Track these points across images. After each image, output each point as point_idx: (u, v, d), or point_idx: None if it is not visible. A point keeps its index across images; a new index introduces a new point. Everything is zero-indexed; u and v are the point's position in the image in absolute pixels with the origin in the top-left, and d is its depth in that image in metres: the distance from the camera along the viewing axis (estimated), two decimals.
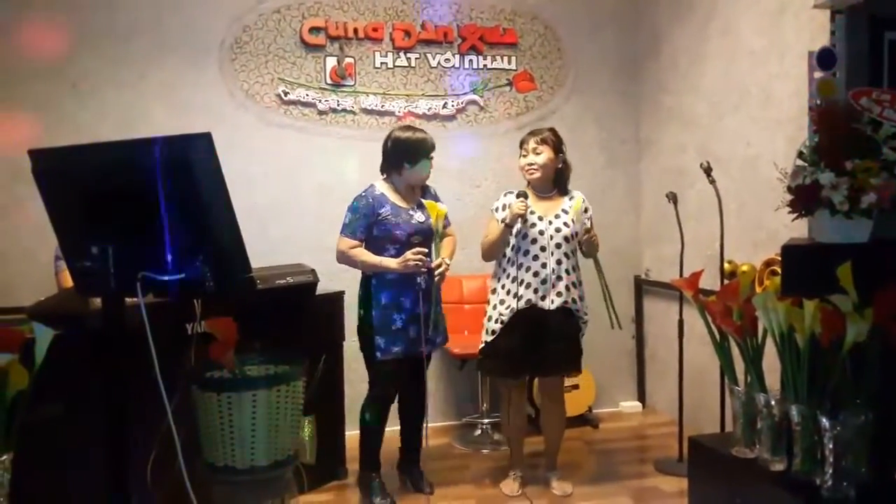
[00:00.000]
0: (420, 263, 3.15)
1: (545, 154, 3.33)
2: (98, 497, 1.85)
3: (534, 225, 3.30)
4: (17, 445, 1.81)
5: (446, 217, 3.34)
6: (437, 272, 3.23)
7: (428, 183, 3.42)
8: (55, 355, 1.87)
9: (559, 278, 3.28)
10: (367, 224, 3.23)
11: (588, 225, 3.38)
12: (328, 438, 3.53)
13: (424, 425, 3.42)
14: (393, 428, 3.51)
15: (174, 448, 1.78)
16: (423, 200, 3.32)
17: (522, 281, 3.28)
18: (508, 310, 3.30)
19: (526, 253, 3.29)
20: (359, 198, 3.27)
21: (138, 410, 1.84)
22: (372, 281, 3.26)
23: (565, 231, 3.31)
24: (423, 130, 3.36)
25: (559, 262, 3.29)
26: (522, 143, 3.40)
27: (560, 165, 3.39)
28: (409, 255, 3.17)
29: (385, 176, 3.36)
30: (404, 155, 3.26)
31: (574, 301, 3.31)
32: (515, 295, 3.28)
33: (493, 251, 3.38)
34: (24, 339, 1.84)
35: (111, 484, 1.81)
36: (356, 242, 3.23)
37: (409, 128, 3.38)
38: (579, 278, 3.39)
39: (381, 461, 3.41)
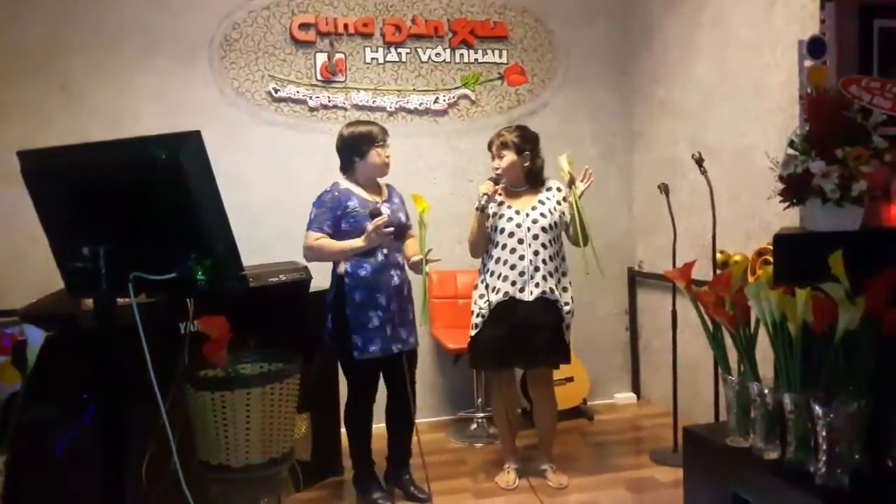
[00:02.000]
0: (382, 229, 3.05)
1: (507, 157, 3.38)
2: (93, 498, 1.85)
3: (511, 219, 3.36)
4: (10, 447, 1.81)
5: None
6: (427, 262, 3.13)
7: (391, 183, 3.41)
8: (48, 357, 1.87)
9: (537, 269, 3.31)
10: (334, 217, 3.15)
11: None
12: (324, 435, 3.54)
13: (418, 428, 3.32)
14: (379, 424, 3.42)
15: (169, 447, 1.78)
16: (412, 193, 3.24)
17: (500, 274, 3.33)
18: (487, 303, 3.34)
19: (504, 247, 3.34)
20: (323, 193, 3.21)
21: (132, 410, 1.83)
22: (345, 280, 3.15)
23: (542, 222, 3.35)
24: (371, 123, 3.34)
25: (536, 253, 3.32)
26: (489, 146, 3.46)
27: (527, 163, 3.41)
28: (368, 227, 3.06)
29: (345, 175, 3.30)
30: (352, 150, 3.24)
31: (552, 290, 3.32)
32: (494, 289, 3.34)
33: (473, 240, 3.42)
34: (16, 340, 1.83)
35: (106, 484, 1.81)
36: (321, 235, 3.16)
37: (354, 123, 3.35)
38: (562, 268, 3.41)
39: (373, 459, 3.39)
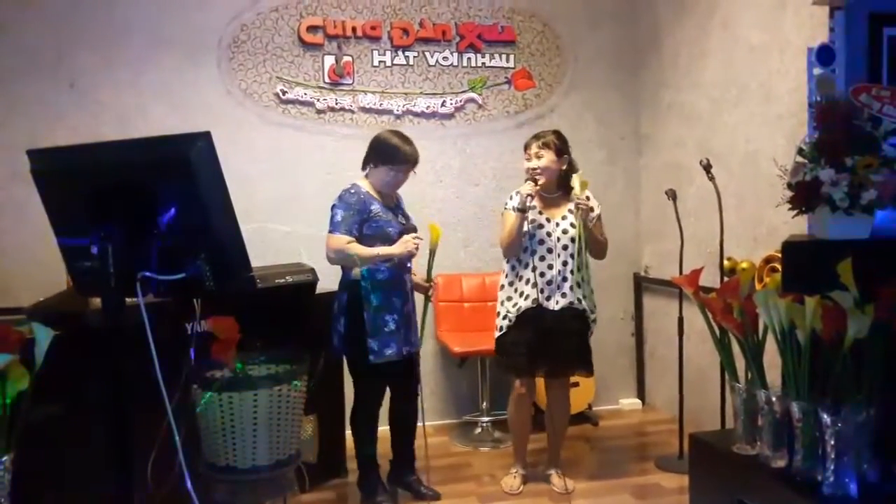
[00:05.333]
0: (417, 246, 3.13)
1: (546, 157, 3.34)
2: (99, 497, 1.85)
3: (541, 226, 3.34)
4: (17, 446, 1.81)
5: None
6: (431, 293, 3.30)
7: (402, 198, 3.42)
8: (55, 355, 1.87)
9: (564, 279, 3.31)
10: (360, 221, 3.13)
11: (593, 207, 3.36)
12: (329, 437, 3.55)
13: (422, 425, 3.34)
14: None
15: (175, 448, 1.78)
16: (430, 223, 3.28)
17: (529, 280, 3.32)
18: (516, 308, 3.34)
19: (533, 253, 3.32)
20: (349, 195, 3.16)
21: (139, 410, 1.83)
22: (361, 284, 3.13)
23: (572, 232, 3.33)
24: (409, 143, 3.22)
25: (565, 264, 3.32)
26: (526, 147, 3.42)
27: (564, 167, 3.40)
28: (407, 238, 3.11)
29: (364, 173, 3.28)
30: (374, 155, 3.21)
31: (580, 301, 3.32)
32: (522, 294, 3.33)
33: (511, 241, 3.33)
34: (24, 339, 1.83)
35: (112, 484, 1.81)
36: (351, 238, 3.10)
37: (396, 133, 3.27)
38: (586, 276, 3.40)
39: (378, 461, 3.38)
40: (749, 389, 2.21)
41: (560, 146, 3.37)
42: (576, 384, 4.32)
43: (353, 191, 3.18)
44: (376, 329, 3.13)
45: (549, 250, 3.32)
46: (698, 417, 3.95)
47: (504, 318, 3.39)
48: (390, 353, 3.15)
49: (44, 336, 1.87)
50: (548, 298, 3.30)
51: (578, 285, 3.33)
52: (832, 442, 1.87)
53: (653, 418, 4.66)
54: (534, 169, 3.35)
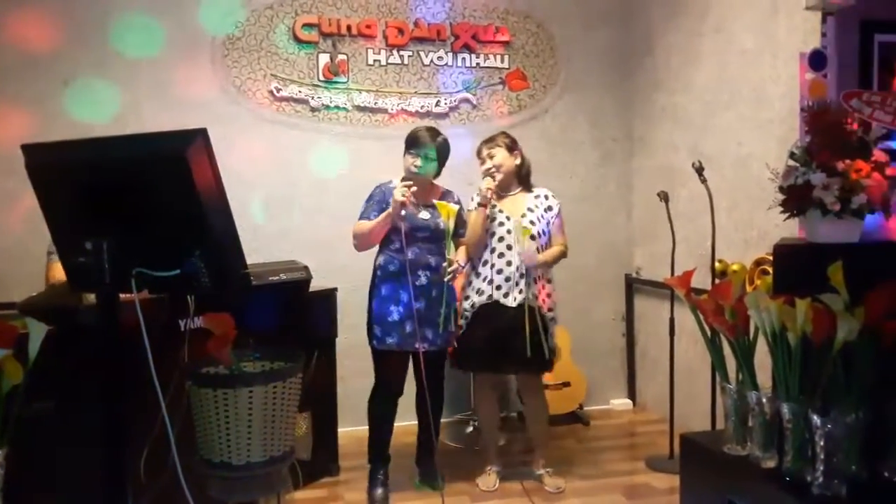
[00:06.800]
0: (406, 194, 3.12)
1: (500, 154, 3.42)
2: (93, 492, 1.85)
3: (501, 223, 3.38)
4: (11, 440, 1.81)
5: (459, 215, 3.39)
6: (448, 271, 3.26)
7: (449, 189, 3.53)
8: (49, 351, 1.87)
9: (522, 276, 3.33)
10: (380, 210, 3.27)
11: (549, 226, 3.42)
12: (321, 435, 3.55)
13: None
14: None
15: (169, 444, 1.78)
16: (436, 201, 3.33)
17: (486, 277, 3.36)
18: (471, 306, 3.38)
19: (493, 251, 3.37)
20: (375, 188, 3.39)
21: (132, 406, 1.83)
22: (377, 272, 3.33)
23: (531, 229, 3.36)
24: (428, 130, 3.39)
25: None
26: (478, 153, 3.51)
27: (518, 161, 3.46)
28: (395, 190, 3.17)
29: None
30: (405, 146, 3.36)
31: (535, 297, 3.33)
32: (478, 290, 3.37)
33: (475, 237, 3.39)
34: (17, 334, 1.83)
35: (106, 479, 1.81)
36: (362, 221, 3.30)
37: (424, 126, 3.48)
38: (546, 275, 3.44)
39: (389, 455, 3.43)
40: (740, 390, 2.23)
41: (509, 143, 3.46)
42: (566, 384, 4.36)
43: (379, 185, 3.39)
44: (381, 317, 3.28)
45: (509, 247, 3.36)
46: (689, 418, 3.97)
47: (462, 317, 3.42)
48: (391, 342, 3.26)
49: (38, 331, 1.87)
50: (505, 295, 3.32)
51: (536, 281, 3.37)
52: (822, 443, 1.88)
53: (643, 418, 4.68)
54: (488, 169, 3.41)
